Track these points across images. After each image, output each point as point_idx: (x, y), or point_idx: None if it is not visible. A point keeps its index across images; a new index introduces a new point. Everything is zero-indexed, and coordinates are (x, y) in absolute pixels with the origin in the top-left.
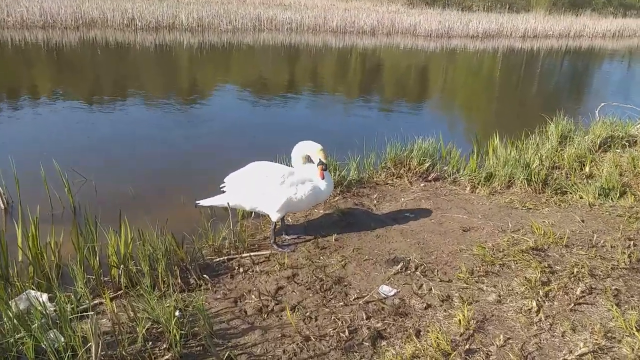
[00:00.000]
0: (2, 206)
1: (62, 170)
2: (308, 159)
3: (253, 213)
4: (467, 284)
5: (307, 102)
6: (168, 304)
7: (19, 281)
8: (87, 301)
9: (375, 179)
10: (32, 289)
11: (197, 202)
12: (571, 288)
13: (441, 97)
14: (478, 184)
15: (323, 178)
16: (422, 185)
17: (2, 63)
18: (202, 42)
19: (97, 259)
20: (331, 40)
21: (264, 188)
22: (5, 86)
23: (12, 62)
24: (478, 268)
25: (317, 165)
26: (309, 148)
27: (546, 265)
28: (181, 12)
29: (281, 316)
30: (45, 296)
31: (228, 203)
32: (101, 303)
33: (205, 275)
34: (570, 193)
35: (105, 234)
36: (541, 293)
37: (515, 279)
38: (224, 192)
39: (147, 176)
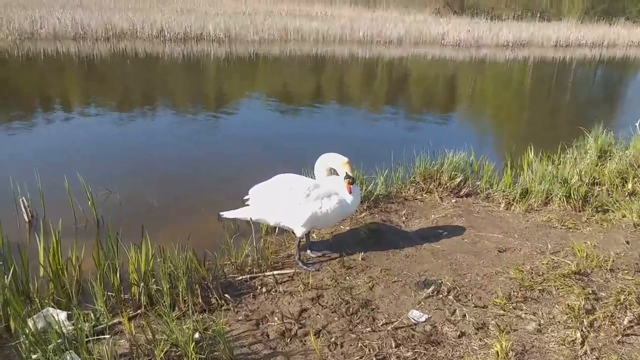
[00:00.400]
0: (26, 219)
1: (86, 182)
2: (332, 172)
3: (277, 228)
4: (504, 310)
5: (333, 113)
6: (187, 326)
7: (38, 298)
8: (106, 320)
9: (403, 194)
10: (52, 307)
11: (221, 213)
12: (618, 317)
13: (471, 109)
14: (513, 200)
15: (351, 192)
16: (453, 201)
17: (32, 74)
18: (229, 52)
19: (118, 275)
20: (357, 50)
21: (288, 201)
22: (34, 97)
23: (43, 73)
24: (515, 293)
25: (344, 179)
26: (334, 160)
27: (590, 292)
28: (209, 24)
29: (305, 341)
30: (63, 314)
31: (251, 218)
32: (120, 322)
33: (226, 295)
34: (613, 211)
35: (126, 250)
36: (585, 322)
37: (557, 306)
38: (248, 205)
39: (172, 188)
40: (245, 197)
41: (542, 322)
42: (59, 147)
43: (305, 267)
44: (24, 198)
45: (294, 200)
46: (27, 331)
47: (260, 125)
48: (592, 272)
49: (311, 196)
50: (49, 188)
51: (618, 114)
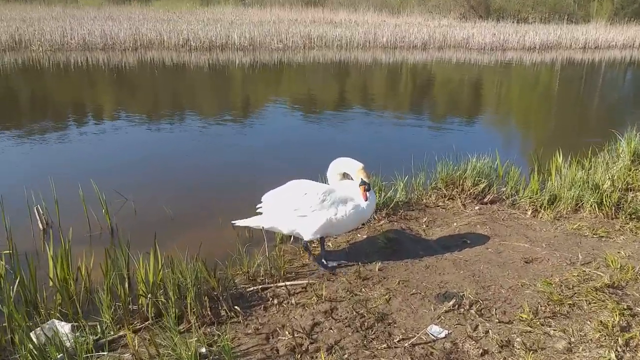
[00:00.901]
0: (41, 227)
1: (100, 190)
2: (346, 176)
3: (292, 237)
4: (530, 326)
5: (356, 118)
6: (193, 340)
7: (44, 308)
8: (112, 332)
9: (424, 200)
10: (58, 318)
11: (233, 222)
12: None
13: (496, 113)
14: (540, 207)
15: (367, 199)
16: (477, 208)
17: (60, 84)
18: (253, 60)
19: (127, 286)
20: (381, 56)
21: (302, 207)
22: (60, 107)
23: (70, 82)
24: (543, 308)
25: (360, 185)
26: (348, 166)
27: (625, 307)
28: (234, 33)
29: (316, 358)
30: (68, 326)
31: (263, 227)
32: (126, 335)
33: (236, 307)
34: None
35: (134, 260)
36: (620, 341)
37: (589, 322)
38: (260, 213)
39: (189, 196)
40: (258, 206)
41: (572, 340)
42: (80, 155)
43: (322, 268)
44: (38, 206)
45: (308, 206)
46: (29, 345)
47: (282, 132)
48: (626, 285)
49: (326, 202)
50: (65, 196)
51: None
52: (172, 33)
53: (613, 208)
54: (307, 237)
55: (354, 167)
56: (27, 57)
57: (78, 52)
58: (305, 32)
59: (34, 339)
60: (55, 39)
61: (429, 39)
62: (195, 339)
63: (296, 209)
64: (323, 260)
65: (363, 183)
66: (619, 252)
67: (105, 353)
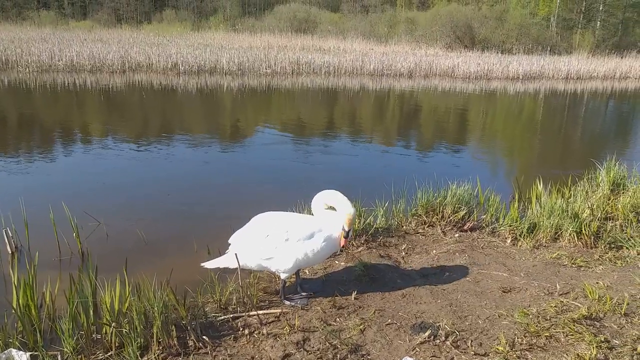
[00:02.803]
0: (9, 250)
1: (72, 214)
2: (331, 207)
3: None
4: (506, 359)
5: (341, 144)
6: None
7: (2, 337)
8: None
9: (404, 227)
10: (17, 347)
11: (202, 264)
12: None
13: (479, 140)
14: (520, 235)
15: (343, 246)
16: (456, 235)
17: (43, 104)
18: (241, 85)
19: (91, 313)
20: (368, 82)
21: (266, 250)
22: (42, 127)
23: (54, 103)
24: (520, 340)
25: (341, 230)
26: (339, 204)
27: (602, 339)
28: (223, 57)
29: None
30: (26, 356)
31: (237, 266)
32: None
33: (204, 337)
34: (627, 248)
35: (100, 287)
36: None
37: (565, 355)
38: (229, 252)
39: (164, 221)
40: (227, 250)
41: None
42: (55, 177)
43: (292, 304)
44: (7, 229)
45: (273, 248)
46: None
47: (266, 157)
48: (604, 316)
49: (291, 240)
50: (36, 219)
51: (631, 147)
52: (161, 57)
53: (592, 237)
54: (281, 276)
55: (344, 209)
56: (13, 77)
57: (65, 74)
58: (294, 58)
59: None
60: (42, 60)
61: (415, 67)
62: None
63: (261, 252)
64: (299, 291)
65: (345, 231)
66: (597, 282)
67: None
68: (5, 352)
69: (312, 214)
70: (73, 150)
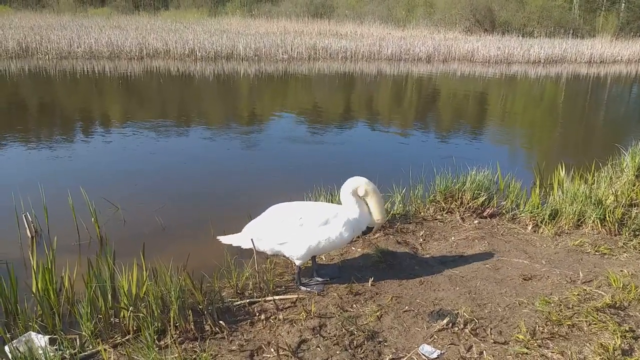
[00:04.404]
0: (29, 235)
1: (91, 199)
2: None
3: None
4: (527, 348)
5: (358, 130)
6: (173, 357)
7: (23, 320)
8: (91, 346)
9: (422, 213)
10: (37, 330)
11: (218, 237)
12: None
13: (499, 126)
14: (541, 222)
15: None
16: (475, 222)
17: (63, 90)
18: (258, 70)
19: (109, 298)
20: (386, 67)
21: (280, 235)
22: (62, 114)
23: (74, 89)
24: (541, 328)
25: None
26: (374, 203)
27: (627, 329)
28: (239, 43)
29: None
30: (45, 339)
31: (252, 246)
32: (105, 350)
33: (221, 322)
34: None
35: (118, 272)
36: None
37: (588, 344)
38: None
39: (182, 206)
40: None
41: None
42: (75, 163)
43: (308, 290)
44: (27, 213)
45: (286, 232)
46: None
47: (283, 144)
48: (629, 305)
49: (305, 226)
50: (56, 204)
51: None
52: (178, 43)
53: (616, 224)
54: (296, 262)
55: (376, 213)
56: (33, 64)
57: (84, 60)
58: (311, 44)
59: (8, 353)
60: (61, 47)
61: (434, 52)
62: (175, 355)
63: (275, 236)
64: (315, 276)
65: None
66: (621, 271)
67: None
68: (25, 335)
69: (341, 197)
70: (92, 137)
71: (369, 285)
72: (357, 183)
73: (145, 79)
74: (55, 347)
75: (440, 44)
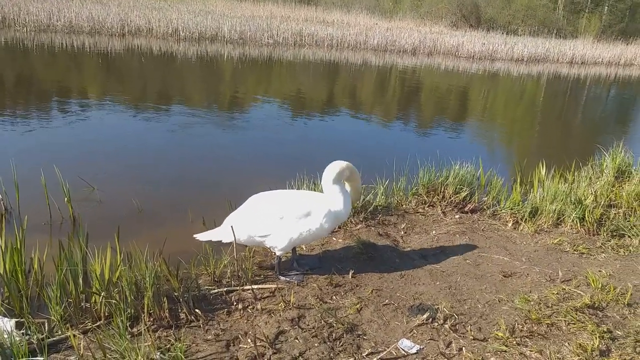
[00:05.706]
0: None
1: (64, 178)
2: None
3: None
4: (506, 345)
5: (341, 119)
6: (144, 348)
7: None
8: (60, 332)
9: (404, 206)
10: (2, 313)
11: (195, 235)
12: None
13: (482, 121)
14: (522, 219)
15: None
16: (457, 216)
17: (41, 65)
18: (242, 54)
19: (80, 281)
20: (371, 57)
21: (261, 228)
22: (39, 88)
23: (51, 64)
24: (520, 326)
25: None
26: (357, 177)
27: (605, 330)
28: (224, 25)
29: None
30: (11, 323)
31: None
32: (75, 336)
33: (197, 310)
34: (630, 237)
35: (90, 255)
36: None
37: (567, 344)
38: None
39: (160, 189)
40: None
41: None
42: (50, 140)
43: (287, 280)
44: None
45: (267, 225)
46: None
47: (265, 130)
48: (607, 306)
49: (285, 218)
50: (29, 182)
51: (636, 134)
52: (162, 21)
53: (595, 224)
54: (277, 252)
55: (356, 191)
56: (10, 36)
57: (63, 35)
58: (297, 30)
59: None
60: (40, 19)
61: (419, 45)
62: (149, 343)
63: (256, 229)
64: (295, 267)
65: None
66: (600, 271)
67: (39, 359)
68: None
69: (323, 186)
70: (69, 114)
71: (350, 277)
72: (339, 167)
73: (126, 57)
74: (22, 332)
75: (426, 37)
